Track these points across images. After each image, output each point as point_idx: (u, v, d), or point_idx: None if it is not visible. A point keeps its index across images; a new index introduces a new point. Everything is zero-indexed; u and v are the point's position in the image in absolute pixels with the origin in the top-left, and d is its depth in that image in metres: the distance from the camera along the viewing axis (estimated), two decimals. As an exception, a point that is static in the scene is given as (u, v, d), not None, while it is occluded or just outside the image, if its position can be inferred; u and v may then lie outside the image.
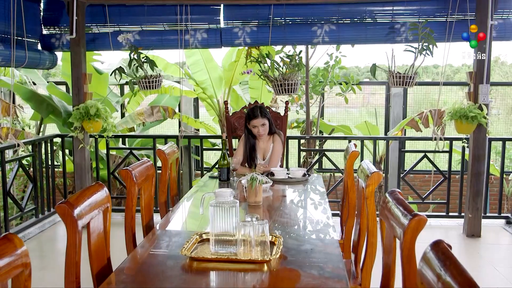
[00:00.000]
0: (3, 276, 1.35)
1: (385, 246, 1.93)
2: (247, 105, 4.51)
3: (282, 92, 4.51)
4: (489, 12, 4.39)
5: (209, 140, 6.64)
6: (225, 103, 4.57)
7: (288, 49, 5.46)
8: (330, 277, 1.82)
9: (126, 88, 7.27)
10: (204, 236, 2.21)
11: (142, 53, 4.61)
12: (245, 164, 3.93)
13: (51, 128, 7.67)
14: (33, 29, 5.07)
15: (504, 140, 5.11)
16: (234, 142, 4.82)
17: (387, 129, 6.87)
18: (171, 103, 6.86)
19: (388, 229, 1.90)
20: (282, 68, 4.53)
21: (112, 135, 5.02)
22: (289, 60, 4.58)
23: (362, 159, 5.31)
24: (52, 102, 5.88)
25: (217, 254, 2.01)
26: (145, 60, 4.61)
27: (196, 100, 7.17)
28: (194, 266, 1.92)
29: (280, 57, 4.63)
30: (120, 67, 4.70)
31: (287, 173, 3.60)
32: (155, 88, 4.73)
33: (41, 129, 6.87)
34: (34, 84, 6.80)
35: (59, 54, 5.51)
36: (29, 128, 6.89)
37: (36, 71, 6.72)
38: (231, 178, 3.54)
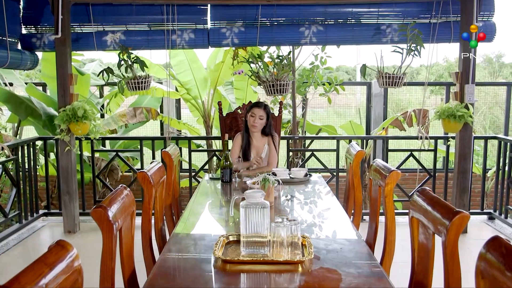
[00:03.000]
0: (62, 285, 1.29)
1: (419, 244, 1.96)
2: (240, 106, 4.50)
3: (274, 93, 4.52)
4: (474, 14, 4.52)
5: (194, 141, 6.57)
6: (219, 103, 4.55)
7: (273, 49, 5.49)
8: (371, 276, 1.83)
9: (106, 90, 7.12)
10: (231, 238, 2.19)
11: (132, 54, 4.52)
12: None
13: (28, 131, 7.43)
14: (13, 29, 4.89)
15: (486, 139, 5.28)
16: (229, 142, 4.80)
17: (368, 129, 6.98)
18: (153, 104, 6.76)
19: (422, 227, 1.93)
20: (273, 68, 4.54)
21: (100, 137, 4.90)
22: (279, 61, 4.59)
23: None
24: (32, 104, 5.69)
25: (251, 255, 1.99)
26: (135, 61, 4.53)
27: (178, 101, 7.10)
28: (231, 269, 1.90)
29: (270, 57, 4.63)
30: (108, 67, 4.59)
31: (288, 174, 3.61)
32: (144, 89, 4.65)
33: (18, 132, 6.64)
34: (11, 85, 6.57)
35: (39, 54, 5.34)
36: (6, 131, 6.65)
37: (13, 72, 6.49)
38: (232, 179, 3.52)
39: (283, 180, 3.50)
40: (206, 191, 3.40)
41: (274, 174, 3.57)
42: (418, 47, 4.52)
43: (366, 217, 5.06)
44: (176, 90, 6.70)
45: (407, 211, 5.45)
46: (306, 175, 3.61)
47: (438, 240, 1.79)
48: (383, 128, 6.21)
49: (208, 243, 2.21)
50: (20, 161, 4.89)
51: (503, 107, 12.28)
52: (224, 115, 4.52)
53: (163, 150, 3.23)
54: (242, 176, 3.61)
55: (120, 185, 2.12)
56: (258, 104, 4.02)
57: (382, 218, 2.66)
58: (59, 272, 1.28)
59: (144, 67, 4.52)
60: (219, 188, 3.43)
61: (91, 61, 7.74)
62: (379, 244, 2.68)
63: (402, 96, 13.70)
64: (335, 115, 13.05)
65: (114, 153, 5.40)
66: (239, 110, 4.45)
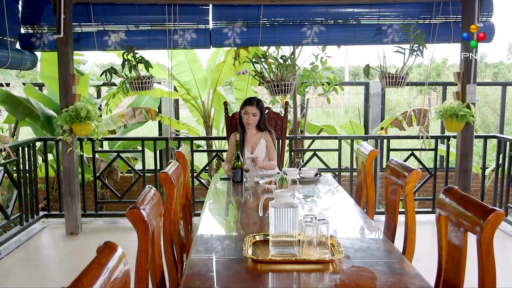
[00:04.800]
0: (116, 286, 1.28)
1: (449, 242, 1.97)
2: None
3: (278, 93, 4.54)
4: (476, 15, 4.58)
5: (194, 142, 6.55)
6: (225, 104, 4.54)
7: (272, 50, 5.49)
8: (404, 274, 1.85)
9: (103, 90, 7.06)
10: (258, 238, 2.19)
11: (137, 54, 4.49)
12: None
13: (25, 132, 7.34)
14: (12, 28, 4.82)
15: (485, 138, 5.34)
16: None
17: (366, 129, 7.02)
18: (151, 105, 6.72)
19: (452, 225, 1.94)
20: (277, 68, 4.55)
21: (102, 138, 4.86)
22: (283, 61, 4.61)
23: (352, 158, 5.41)
24: (30, 105, 5.62)
25: (281, 255, 1.99)
26: (140, 61, 4.50)
27: (176, 101, 7.07)
28: (262, 269, 1.90)
29: (274, 57, 4.65)
30: (112, 67, 4.56)
31: (299, 173, 3.62)
32: (147, 89, 4.63)
33: (15, 133, 6.55)
34: (7, 85, 6.48)
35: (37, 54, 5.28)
36: (2, 131, 6.56)
37: (10, 72, 6.40)
38: (244, 179, 3.52)
39: (293, 179, 3.52)
40: (218, 191, 3.39)
41: (284, 173, 3.58)
42: (421, 47, 4.57)
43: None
44: (175, 90, 6.67)
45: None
46: (316, 174, 3.62)
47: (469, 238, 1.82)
48: (382, 128, 6.26)
49: (234, 243, 2.21)
50: (21, 162, 4.83)
51: (492, 106, 12.50)
52: (230, 115, 4.51)
53: (177, 150, 3.21)
54: (252, 176, 3.61)
55: (147, 185, 2.10)
56: (250, 102, 4.08)
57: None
58: (113, 272, 1.27)
59: (152, 67, 4.50)
60: (231, 188, 3.42)
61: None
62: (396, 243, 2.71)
63: (391, 97, 13.84)
64: (325, 115, 13.12)
65: (115, 153, 5.35)
66: (244, 110, 4.44)
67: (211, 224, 2.64)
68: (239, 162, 3.46)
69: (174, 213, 2.55)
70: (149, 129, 7.79)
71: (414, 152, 5.35)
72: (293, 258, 1.95)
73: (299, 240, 2.03)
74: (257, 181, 3.45)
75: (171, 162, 2.75)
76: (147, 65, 4.50)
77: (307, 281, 1.84)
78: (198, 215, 4.78)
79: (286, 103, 4.57)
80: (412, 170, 2.46)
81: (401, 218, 2.66)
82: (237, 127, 4.44)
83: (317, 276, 1.85)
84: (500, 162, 5.18)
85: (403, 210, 2.57)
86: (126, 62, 4.56)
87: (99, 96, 6.95)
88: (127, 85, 4.61)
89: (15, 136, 6.54)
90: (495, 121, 11.86)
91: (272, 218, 2.04)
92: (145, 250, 1.76)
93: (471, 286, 1.96)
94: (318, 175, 3.63)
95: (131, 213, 1.75)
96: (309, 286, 1.81)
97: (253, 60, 4.62)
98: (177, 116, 7.16)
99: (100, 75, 4.73)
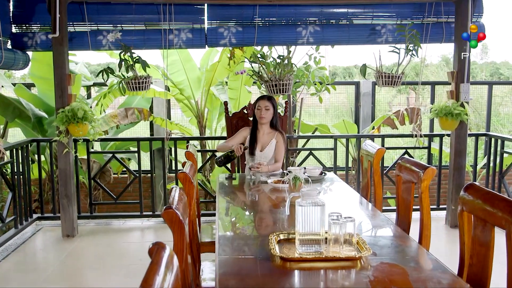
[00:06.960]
0: (173, 285, 1.28)
1: (474, 237, 2.01)
2: (246, 106, 4.51)
3: (276, 92, 4.56)
4: (469, 15, 4.67)
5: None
6: (225, 103, 4.54)
7: (265, 50, 5.51)
8: (434, 269, 1.88)
9: (93, 90, 6.98)
10: (282, 237, 2.20)
11: (134, 53, 4.45)
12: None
13: (13, 132, 7.19)
14: (3, 28, 4.72)
15: (477, 136, 5.46)
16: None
17: (357, 128, 7.10)
18: (143, 105, 6.66)
19: (478, 221, 1.98)
20: (276, 68, 4.57)
21: (99, 138, 4.80)
22: (281, 61, 4.64)
23: (347, 157, 5.47)
24: (20, 105, 5.52)
25: (309, 253, 2.00)
26: (137, 61, 4.46)
27: (167, 101, 7.02)
28: (292, 267, 1.91)
29: (272, 57, 4.67)
30: (109, 67, 4.51)
31: (304, 172, 3.64)
32: (144, 89, 4.61)
33: (4, 134, 6.41)
34: (-3, 86, 6.36)
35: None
36: (-9, 133, 6.42)
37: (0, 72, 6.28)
38: (248, 178, 3.55)
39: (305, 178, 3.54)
40: (226, 191, 3.39)
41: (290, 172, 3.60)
42: (416, 47, 4.64)
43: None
44: (168, 90, 6.63)
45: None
46: (321, 173, 3.65)
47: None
48: (374, 127, 6.33)
49: (257, 242, 2.22)
50: (15, 164, 4.74)
51: (472, 105, 12.77)
52: (230, 115, 4.51)
53: (186, 150, 3.20)
54: (258, 175, 3.62)
55: (173, 186, 2.09)
56: (262, 97, 4.14)
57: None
58: (168, 270, 1.27)
59: (149, 67, 4.47)
60: (240, 188, 3.43)
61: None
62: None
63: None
64: (307, 115, 13.20)
65: (110, 154, 5.29)
66: (245, 110, 4.46)
67: (228, 224, 2.64)
68: (231, 156, 3.58)
69: (193, 212, 2.54)
70: (140, 130, 7.71)
71: (407, 150, 5.43)
72: (323, 256, 1.96)
73: (325, 238, 2.05)
74: (265, 180, 3.46)
75: (186, 162, 2.74)
76: (145, 65, 4.47)
77: (339, 278, 1.85)
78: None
79: (286, 102, 4.60)
80: (427, 167, 2.50)
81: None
82: (237, 127, 4.44)
83: (349, 273, 1.87)
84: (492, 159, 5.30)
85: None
86: (123, 62, 4.52)
87: (89, 96, 6.86)
88: (124, 85, 4.57)
89: (4, 138, 6.41)
90: (476, 119, 12.11)
91: (299, 216, 2.05)
92: (180, 251, 1.76)
93: (495, 280, 2.01)
94: (324, 174, 3.66)
95: (167, 213, 1.74)
96: (343, 282, 1.83)
97: (251, 59, 4.63)
98: (168, 116, 7.12)
99: (97, 75, 4.68)
